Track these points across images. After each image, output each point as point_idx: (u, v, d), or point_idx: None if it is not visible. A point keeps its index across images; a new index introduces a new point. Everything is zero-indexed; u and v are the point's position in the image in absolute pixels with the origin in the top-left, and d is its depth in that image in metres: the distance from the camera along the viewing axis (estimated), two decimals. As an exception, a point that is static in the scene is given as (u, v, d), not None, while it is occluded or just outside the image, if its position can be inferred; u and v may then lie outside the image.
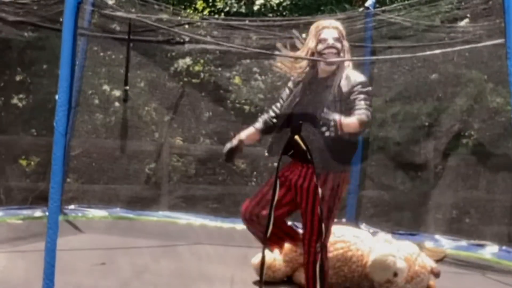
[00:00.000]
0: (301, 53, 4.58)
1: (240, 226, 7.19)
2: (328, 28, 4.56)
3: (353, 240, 5.26)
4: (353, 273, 5.21)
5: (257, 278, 5.26)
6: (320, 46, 4.50)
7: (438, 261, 5.52)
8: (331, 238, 4.80)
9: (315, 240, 4.51)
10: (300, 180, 4.55)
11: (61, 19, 6.26)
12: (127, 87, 6.08)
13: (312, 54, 4.53)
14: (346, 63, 4.55)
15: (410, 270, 5.11)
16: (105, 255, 5.84)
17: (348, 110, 4.39)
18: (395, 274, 5.08)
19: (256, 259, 5.36)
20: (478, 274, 6.22)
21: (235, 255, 5.72)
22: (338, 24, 4.66)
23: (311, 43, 4.55)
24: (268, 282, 4.95)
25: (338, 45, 4.51)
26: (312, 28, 4.61)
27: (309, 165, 4.47)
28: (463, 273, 6.22)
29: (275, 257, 5.29)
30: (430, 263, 5.29)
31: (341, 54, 4.52)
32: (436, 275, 5.28)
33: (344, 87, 4.45)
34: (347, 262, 5.19)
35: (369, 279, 5.22)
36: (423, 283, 5.18)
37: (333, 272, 5.01)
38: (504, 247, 6.88)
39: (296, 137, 4.16)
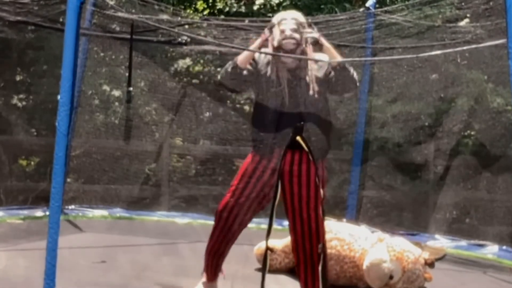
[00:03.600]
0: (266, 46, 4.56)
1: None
2: (286, 20, 4.54)
3: (348, 239, 5.27)
4: (344, 273, 5.22)
5: (258, 267, 5.29)
6: (279, 37, 4.48)
7: (438, 259, 5.53)
8: (327, 235, 4.76)
9: (317, 239, 4.38)
10: (295, 167, 4.39)
11: (62, 19, 6.27)
12: (131, 88, 6.05)
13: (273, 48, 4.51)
14: (309, 50, 4.52)
15: (404, 269, 5.12)
16: (105, 254, 5.84)
17: (331, 87, 4.54)
18: (391, 277, 5.11)
19: (258, 249, 5.39)
20: (479, 272, 6.23)
21: (235, 253, 5.71)
22: (298, 15, 4.64)
23: (274, 34, 4.51)
24: (270, 272, 4.91)
25: (297, 35, 4.48)
26: (274, 20, 4.61)
27: (301, 151, 4.35)
28: (464, 270, 6.23)
29: (276, 248, 5.36)
30: (423, 255, 5.29)
31: (301, 46, 4.48)
32: (430, 265, 5.29)
33: (319, 74, 4.51)
34: (339, 262, 5.20)
35: (364, 282, 5.23)
36: (419, 279, 5.19)
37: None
38: (504, 247, 6.88)
39: (298, 138, 4.15)
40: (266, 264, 4.29)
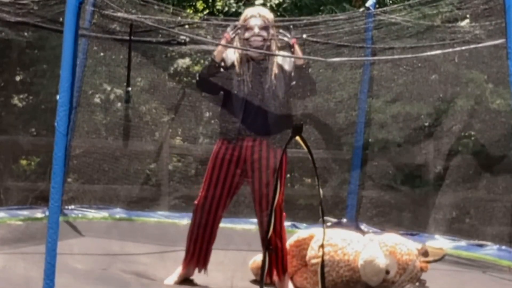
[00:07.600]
0: (233, 41, 4.88)
1: (240, 226, 7.22)
2: (255, 17, 4.86)
3: (340, 244, 5.22)
4: (341, 278, 5.16)
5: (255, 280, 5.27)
6: (247, 34, 4.81)
7: (438, 260, 5.52)
8: (320, 242, 4.76)
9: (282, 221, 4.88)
10: (256, 155, 4.81)
11: (61, 19, 6.26)
12: (129, 88, 6.08)
13: (241, 41, 4.85)
14: (273, 45, 4.87)
15: (399, 262, 5.11)
16: (105, 256, 5.83)
17: (292, 88, 4.84)
18: (387, 272, 5.09)
19: (253, 262, 5.34)
20: (478, 272, 6.22)
21: (234, 257, 5.71)
22: (266, 12, 4.97)
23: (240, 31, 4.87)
24: (266, 284, 4.91)
25: (264, 33, 4.81)
26: (242, 17, 4.95)
27: (261, 140, 4.80)
28: (463, 271, 6.22)
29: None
30: (415, 246, 5.28)
31: (267, 42, 4.82)
32: (424, 254, 5.27)
33: (286, 66, 4.83)
34: (334, 267, 5.15)
35: (362, 284, 5.20)
36: (415, 269, 5.18)
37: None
38: (504, 247, 6.87)
39: (298, 138, 4.16)
40: (265, 264, 4.30)
